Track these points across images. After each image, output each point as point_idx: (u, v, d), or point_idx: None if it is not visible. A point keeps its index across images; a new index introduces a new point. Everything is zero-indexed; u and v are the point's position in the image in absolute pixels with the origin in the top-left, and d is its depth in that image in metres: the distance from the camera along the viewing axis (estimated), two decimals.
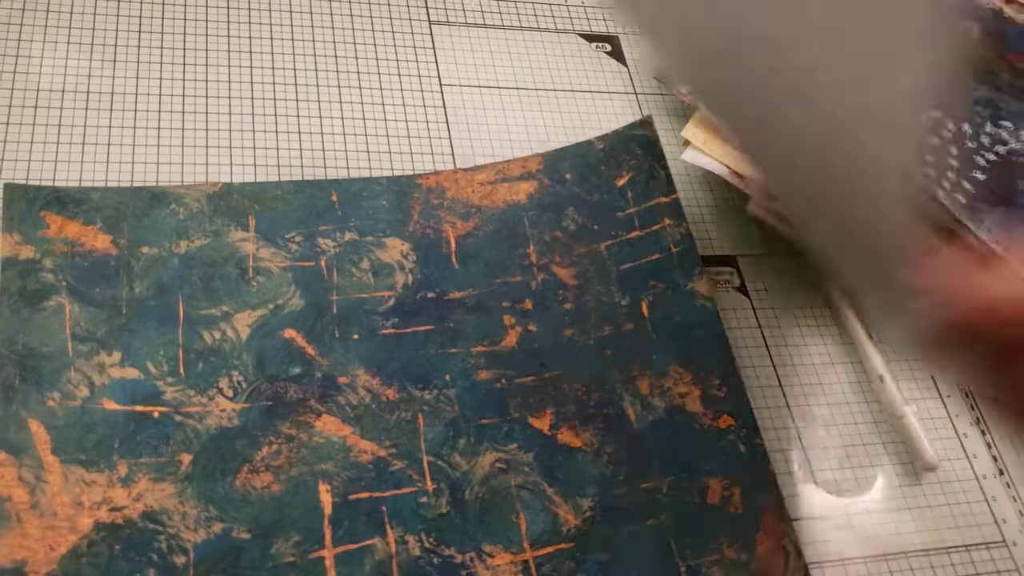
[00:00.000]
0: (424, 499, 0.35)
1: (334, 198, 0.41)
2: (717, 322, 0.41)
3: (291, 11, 0.49)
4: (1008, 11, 0.50)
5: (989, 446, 0.44)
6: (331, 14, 0.50)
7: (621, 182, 0.44)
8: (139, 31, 0.46)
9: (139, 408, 0.34)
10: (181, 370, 0.35)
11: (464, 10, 0.53)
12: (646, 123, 0.46)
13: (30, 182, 0.39)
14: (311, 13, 0.50)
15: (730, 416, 0.39)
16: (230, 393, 0.35)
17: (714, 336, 0.41)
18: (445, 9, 0.53)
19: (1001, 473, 0.43)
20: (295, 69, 0.47)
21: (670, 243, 0.42)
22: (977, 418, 0.45)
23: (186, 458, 0.34)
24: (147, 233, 0.38)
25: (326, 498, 0.34)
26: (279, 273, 0.38)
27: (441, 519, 0.35)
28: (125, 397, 0.34)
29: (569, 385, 0.39)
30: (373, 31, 0.50)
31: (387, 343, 0.38)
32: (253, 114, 0.45)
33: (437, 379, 0.38)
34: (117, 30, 0.46)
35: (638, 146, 0.45)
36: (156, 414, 0.34)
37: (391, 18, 0.51)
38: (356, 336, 0.38)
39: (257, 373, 0.36)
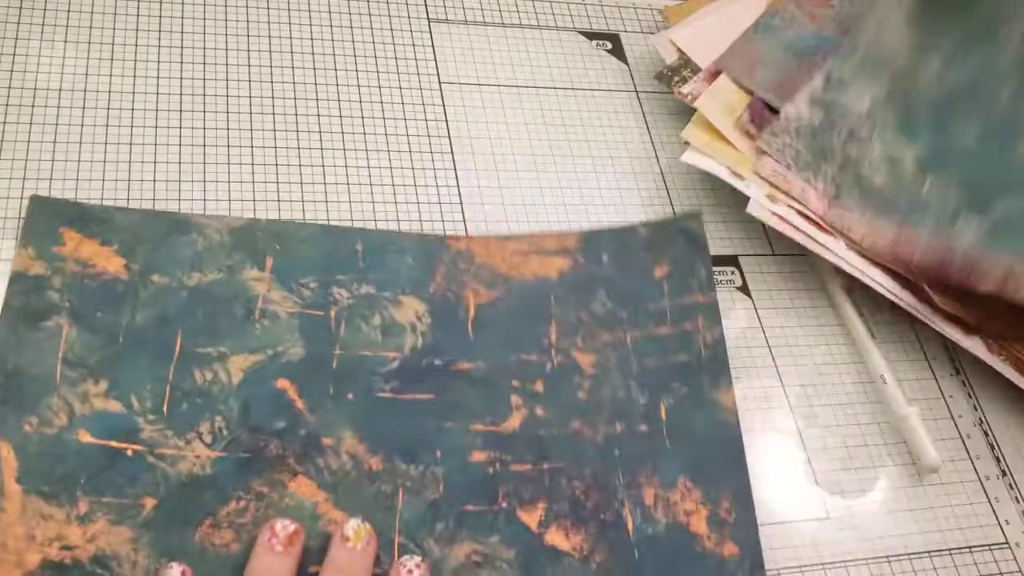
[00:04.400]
0: None
1: (359, 248, 0.39)
2: (738, 440, 0.38)
3: (290, 10, 0.49)
4: None
5: (992, 447, 0.44)
6: (330, 12, 0.50)
7: (659, 273, 0.42)
8: (137, 30, 0.46)
9: (113, 443, 0.33)
10: (164, 408, 0.34)
11: (464, 8, 0.53)
12: (695, 217, 0.44)
13: (52, 191, 0.38)
14: (310, 12, 0.49)
15: (735, 544, 0.36)
16: (209, 439, 0.34)
17: (732, 454, 0.38)
18: (444, 7, 0.52)
19: (1004, 474, 0.43)
20: (293, 68, 0.47)
21: (701, 346, 0.40)
22: (980, 419, 0.45)
23: (149, 502, 0.32)
24: (161, 260, 0.36)
25: None
26: (286, 318, 0.37)
27: None
28: (102, 430, 0.33)
29: (568, 480, 0.36)
30: (372, 28, 0.50)
31: (382, 407, 0.36)
32: (251, 113, 0.45)
33: (427, 454, 0.35)
34: (115, 29, 0.45)
35: (683, 239, 0.43)
36: (130, 452, 0.33)
37: (390, 16, 0.51)
38: (351, 395, 0.36)
39: (240, 421, 0.34)
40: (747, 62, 0.48)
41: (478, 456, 0.36)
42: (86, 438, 0.33)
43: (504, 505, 0.35)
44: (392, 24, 0.51)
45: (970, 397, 0.45)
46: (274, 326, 0.36)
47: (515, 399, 0.37)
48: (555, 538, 0.35)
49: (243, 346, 0.36)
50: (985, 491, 0.42)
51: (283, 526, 0.31)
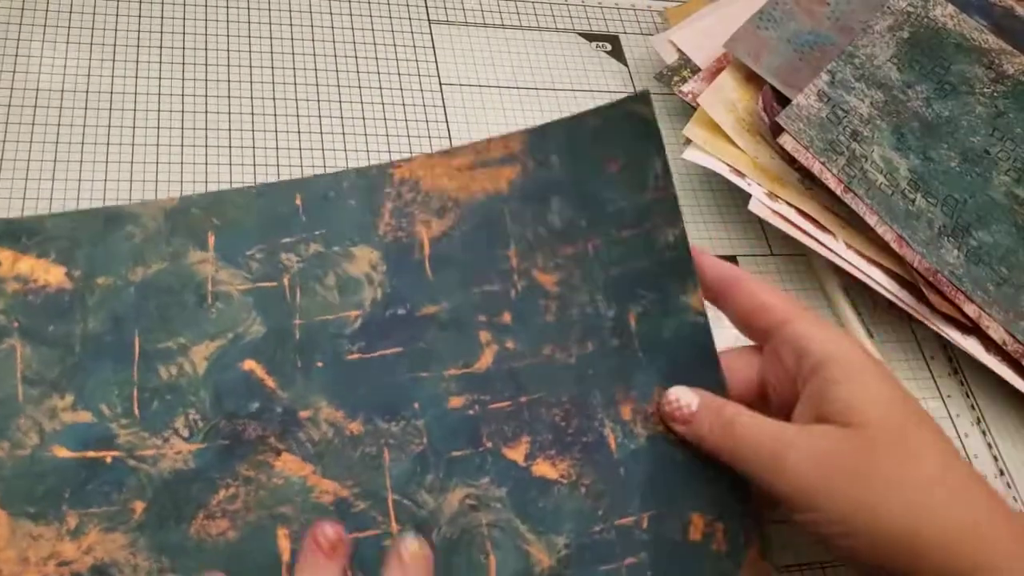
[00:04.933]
0: (388, 542, 0.33)
1: (298, 202, 0.37)
2: (709, 341, 0.37)
3: (290, 10, 0.49)
4: (1019, 9, 0.51)
5: (990, 446, 0.44)
6: (331, 13, 0.50)
7: (613, 168, 0.38)
8: (138, 30, 0.46)
9: (91, 454, 0.32)
10: (136, 410, 0.33)
11: (464, 9, 0.53)
12: (643, 98, 0.39)
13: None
14: (311, 12, 0.50)
15: None
16: (186, 433, 0.33)
17: (704, 357, 0.37)
18: (445, 8, 0.52)
19: (1002, 473, 0.43)
20: (294, 68, 0.47)
21: (663, 246, 0.38)
22: (978, 418, 0.45)
23: (139, 506, 0.32)
24: (102, 261, 0.35)
25: (284, 544, 0.32)
26: (239, 298, 0.35)
27: None
28: (77, 443, 0.32)
29: (547, 410, 0.36)
30: (373, 30, 0.50)
31: (352, 370, 0.35)
32: (252, 114, 0.45)
33: (405, 409, 0.35)
34: (116, 30, 0.46)
35: (633, 125, 0.39)
36: (108, 459, 0.32)
37: (391, 17, 0.51)
38: (320, 363, 0.35)
39: (215, 410, 0.34)
40: (753, 48, 0.49)
41: (456, 402, 0.35)
42: (62, 452, 0.32)
43: (489, 445, 0.35)
44: (393, 25, 0.51)
45: (968, 396, 0.46)
46: (228, 308, 0.35)
47: (483, 335, 0.36)
48: (543, 468, 0.35)
49: (202, 334, 0.35)
50: None
51: (325, 534, 0.31)
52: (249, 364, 0.35)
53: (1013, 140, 0.46)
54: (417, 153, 0.39)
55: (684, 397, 0.34)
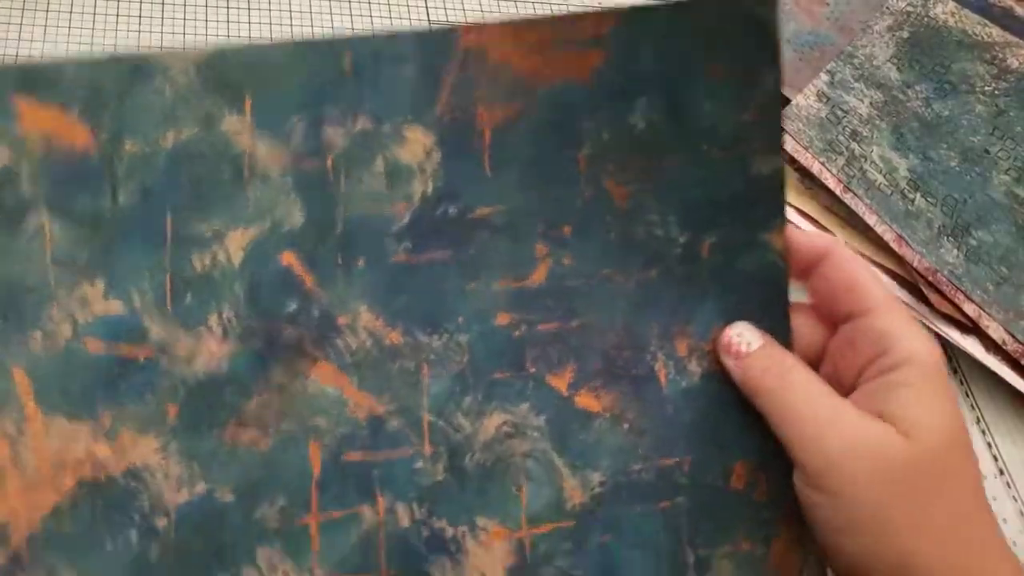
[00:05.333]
0: (420, 464, 0.32)
1: (347, 63, 0.33)
2: (784, 286, 0.34)
3: (291, 11, 0.49)
4: (1019, 9, 0.51)
5: (989, 446, 0.44)
6: (331, 13, 0.50)
7: (715, 75, 0.34)
8: (139, 30, 0.46)
9: (124, 349, 0.31)
10: (168, 303, 0.32)
11: (464, 9, 0.53)
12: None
13: None
14: (311, 13, 0.50)
15: None
16: (220, 332, 0.32)
17: (775, 303, 0.33)
18: (444, 8, 0.53)
19: (1001, 473, 0.43)
20: None
21: (756, 175, 0.34)
22: (977, 418, 0.45)
23: (172, 409, 0.31)
24: (130, 121, 0.32)
25: (316, 458, 0.32)
26: (278, 177, 0.32)
27: (436, 487, 0.32)
28: (110, 336, 0.31)
29: (599, 337, 0.33)
30: (373, 31, 0.50)
31: (396, 274, 0.33)
32: None
33: (448, 322, 0.32)
34: (117, 30, 0.46)
35: (749, 30, 0.34)
36: (142, 357, 0.31)
37: (391, 17, 0.51)
38: (362, 263, 0.32)
39: (249, 308, 0.32)
40: None
41: (503, 319, 0.33)
42: (95, 347, 0.31)
43: (532, 371, 0.33)
44: (393, 26, 0.51)
45: (967, 396, 0.45)
46: (267, 189, 0.32)
47: (540, 247, 0.33)
48: (586, 400, 0.33)
49: (238, 218, 0.32)
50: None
51: None
52: (288, 257, 0.32)
53: (1013, 139, 0.46)
54: (489, 16, 0.35)
55: (747, 334, 0.32)
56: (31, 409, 0.30)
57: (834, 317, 0.33)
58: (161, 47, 0.46)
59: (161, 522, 0.30)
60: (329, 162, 0.33)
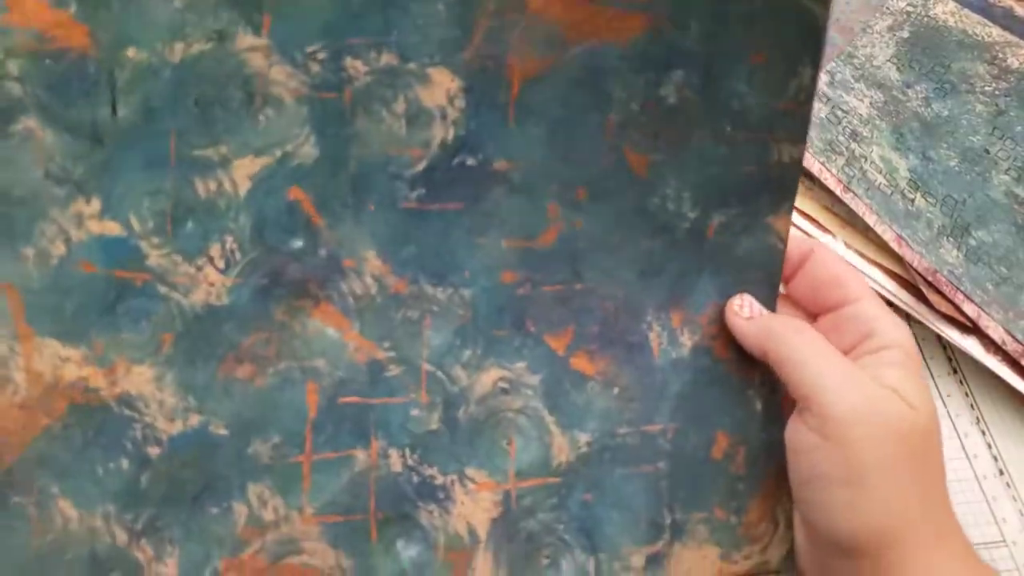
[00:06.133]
0: (415, 412, 0.32)
1: None
2: (778, 269, 0.34)
3: None
4: (1019, 9, 0.51)
5: (989, 446, 0.44)
6: None
7: (756, 60, 0.33)
8: None
9: (120, 273, 0.30)
10: (168, 228, 0.30)
11: None
12: None
13: None
14: None
15: (756, 369, 0.34)
16: (221, 264, 0.31)
17: (768, 282, 0.34)
18: None
19: (1001, 473, 0.43)
20: None
21: (774, 161, 0.34)
22: (977, 418, 0.45)
23: (167, 338, 0.30)
24: (134, 24, 0.30)
25: (312, 399, 0.31)
26: (292, 105, 0.31)
27: (429, 436, 0.32)
28: (106, 259, 0.30)
29: (599, 301, 0.33)
30: None
31: (406, 220, 0.32)
32: None
33: (454, 275, 0.32)
34: None
35: (798, 21, 0.33)
36: (139, 282, 0.30)
37: None
38: (372, 206, 0.32)
39: (254, 241, 0.31)
40: None
41: (508, 277, 0.33)
42: (89, 268, 0.30)
43: (532, 330, 0.33)
44: None
45: (967, 396, 0.45)
46: (280, 117, 0.31)
47: (553, 208, 0.33)
48: (581, 363, 0.33)
49: (247, 145, 0.31)
50: (983, 490, 0.42)
51: None
52: (296, 192, 0.31)
53: (1013, 139, 0.46)
54: None
55: (757, 304, 0.34)
56: (23, 329, 0.29)
57: (818, 308, 0.34)
58: None
59: (153, 451, 0.30)
60: (348, 96, 0.31)
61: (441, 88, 0.32)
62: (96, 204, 0.30)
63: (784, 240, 0.34)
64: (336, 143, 0.31)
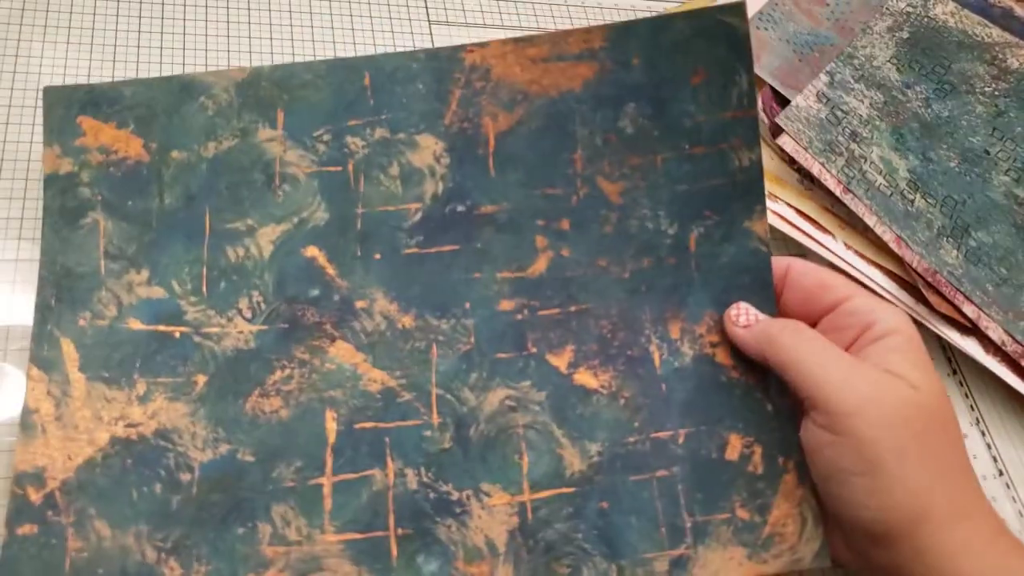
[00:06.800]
0: (428, 433, 0.34)
1: (367, 81, 0.37)
2: (767, 271, 0.36)
3: (291, 11, 0.49)
4: (1019, 9, 0.51)
5: (989, 447, 0.44)
6: (331, 14, 0.50)
7: (696, 80, 0.37)
8: (139, 31, 0.46)
9: (162, 328, 0.35)
10: (204, 289, 0.35)
11: (464, 10, 0.53)
12: (737, 9, 0.37)
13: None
14: (311, 13, 0.50)
15: (763, 373, 0.35)
16: (249, 314, 0.35)
17: (761, 286, 0.36)
18: (445, 9, 0.53)
19: (1001, 474, 0.43)
20: None
21: (735, 168, 0.37)
22: (977, 419, 0.45)
23: (201, 379, 0.34)
24: (177, 134, 0.37)
25: (331, 426, 0.34)
26: (305, 181, 0.36)
27: (442, 454, 0.34)
28: (150, 317, 0.35)
29: (595, 321, 0.36)
30: (372, 31, 0.50)
31: (409, 264, 0.36)
32: None
33: (456, 307, 0.36)
34: (117, 30, 0.46)
35: (723, 37, 0.37)
36: (177, 334, 0.35)
37: (391, 18, 0.51)
38: (378, 255, 0.36)
39: (277, 294, 0.35)
40: (754, 47, 0.49)
41: (506, 305, 0.36)
42: (136, 325, 0.35)
43: (534, 351, 0.36)
44: (392, 26, 0.51)
45: (967, 397, 0.45)
46: (295, 191, 0.36)
47: (540, 240, 0.37)
48: (584, 378, 0.35)
49: (269, 216, 0.36)
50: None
51: None
52: (312, 251, 0.36)
53: (1013, 140, 0.46)
54: (492, 38, 0.38)
55: (752, 310, 0.35)
56: (75, 376, 0.34)
57: (814, 316, 0.35)
58: (160, 47, 0.46)
59: (185, 477, 0.33)
60: (350, 167, 0.37)
61: (428, 151, 0.37)
62: (145, 273, 0.35)
63: (766, 243, 0.36)
64: (343, 206, 0.36)
